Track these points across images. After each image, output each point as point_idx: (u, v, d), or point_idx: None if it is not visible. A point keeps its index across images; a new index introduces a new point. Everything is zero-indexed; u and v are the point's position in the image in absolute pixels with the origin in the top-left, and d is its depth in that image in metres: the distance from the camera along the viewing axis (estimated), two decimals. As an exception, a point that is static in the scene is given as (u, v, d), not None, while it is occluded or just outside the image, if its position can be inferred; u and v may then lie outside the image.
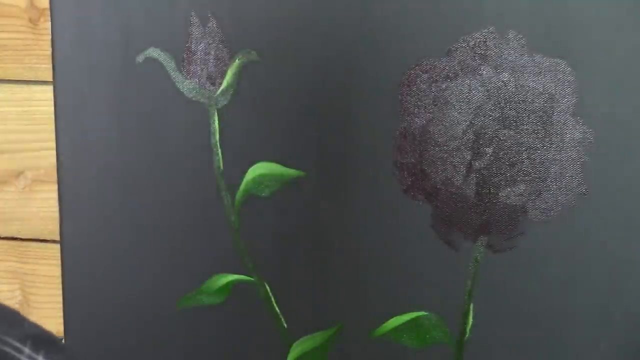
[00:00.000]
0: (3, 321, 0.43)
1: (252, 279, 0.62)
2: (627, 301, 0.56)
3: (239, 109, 0.60)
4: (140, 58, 0.62)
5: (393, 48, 0.56)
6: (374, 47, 0.56)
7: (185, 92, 0.62)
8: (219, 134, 0.62)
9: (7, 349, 0.41)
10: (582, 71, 0.53)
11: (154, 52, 0.62)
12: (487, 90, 0.55)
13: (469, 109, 0.55)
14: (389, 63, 0.56)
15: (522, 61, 0.54)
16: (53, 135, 0.66)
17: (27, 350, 0.42)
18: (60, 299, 0.68)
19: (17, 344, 0.42)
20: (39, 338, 0.44)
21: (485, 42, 0.54)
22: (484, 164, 0.56)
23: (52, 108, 0.66)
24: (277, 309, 0.62)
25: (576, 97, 0.54)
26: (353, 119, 0.58)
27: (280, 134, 0.60)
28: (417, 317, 0.59)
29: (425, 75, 0.56)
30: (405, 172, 0.58)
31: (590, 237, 0.55)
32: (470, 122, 0.55)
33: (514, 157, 0.55)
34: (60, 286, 0.69)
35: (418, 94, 0.56)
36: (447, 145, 0.56)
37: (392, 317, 0.60)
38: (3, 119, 0.68)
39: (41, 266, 0.70)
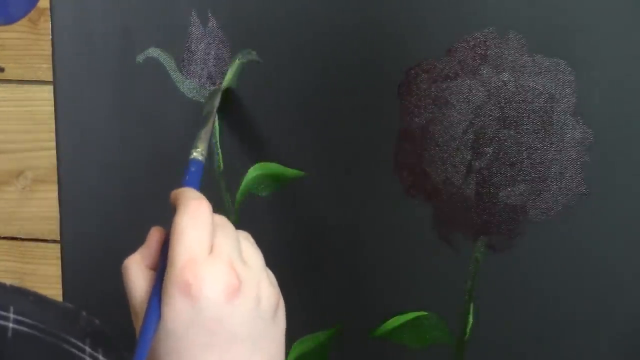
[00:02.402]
0: (64, 319, 0.44)
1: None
2: (627, 301, 0.56)
3: (239, 109, 0.60)
4: (140, 58, 0.62)
5: (393, 48, 0.56)
6: (374, 47, 0.56)
7: (185, 92, 0.62)
8: (219, 134, 0.62)
9: (71, 349, 0.42)
10: (582, 71, 0.53)
11: (154, 52, 0.62)
12: (487, 90, 0.55)
13: (469, 109, 0.55)
14: (389, 63, 0.56)
15: (522, 61, 0.54)
16: (53, 135, 0.66)
17: (87, 348, 0.43)
18: (61, 299, 0.68)
19: (79, 343, 0.42)
20: (97, 335, 0.44)
21: (485, 42, 0.54)
22: (484, 164, 0.56)
23: (52, 108, 0.66)
24: (277, 309, 0.62)
25: (576, 97, 0.54)
26: (353, 119, 0.58)
27: (280, 134, 0.60)
28: (417, 317, 0.59)
29: (425, 75, 0.56)
30: (405, 172, 0.58)
31: (590, 237, 0.55)
32: (470, 122, 0.55)
33: (514, 157, 0.55)
34: (60, 286, 0.69)
35: (418, 94, 0.56)
36: (447, 145, 0.56)
37: (392, 317, 0.60)
38: (3, 119, 0.68)
39: (41, 266, 0.70)
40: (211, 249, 0.41)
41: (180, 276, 0.39)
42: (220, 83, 0.60)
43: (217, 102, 0.58)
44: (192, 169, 0.50)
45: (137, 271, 0.43)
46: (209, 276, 0.40)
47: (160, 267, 0.42)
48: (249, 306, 0.41)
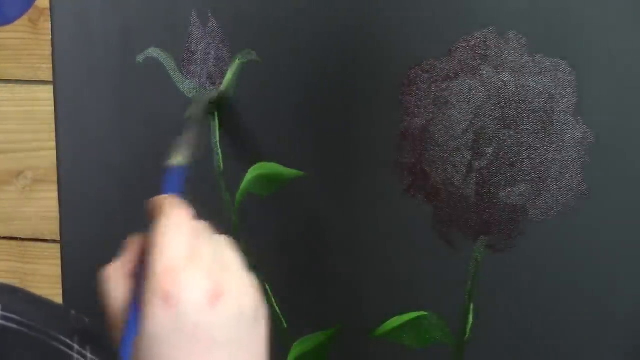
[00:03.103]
0: (53, 317, 0.44)
1: (252, 279, 0.62)
2: (627, 301, 0.56)
3: (239, 109, 0.60)
4: (140, 58, 0.62)
5: (393, 48, 0.56)
6: (374, 47, 0.56)
7: (185, 92, 0.62)
8: (219, 134, 0.62)
9: (59, 346, 0.42)
10: (582, 71, 0.53)
11: (154, 52, 0.62)
12: (487, 90, 0.55)
13: (469, 109, 0.55)
14: (389, 63, 0.56)
15: (522, 61, 0.54)
16: (53, 135, 0.66)
17: (76, 346, 0.43)
18: (61, 299, 0.68)
19: (67, 340, 0.43)
20: (85, 333, 0.45)
21: (485, 42, 0.54)
22: (484, 164, 0.56)
23: (52, 108, 0.66)
24: (277, 309, 0.62)
25: (576, 97, 0.54)
26: (353, 118, 0.58)
27: (280, 134, 0.60)
28: (417, 317, 0.59)
29: (425, 75, 0.56)
30: (405, 172, 0.58)
31: (590, 237, 0.55)
32: (470, 122, 0.55)
33: (514, 157, 0.55)
34: (60, 286, 0.69)
35: (418, 94, 0.56)
36: (447, 145, 0.56)
37: (392, 317, 0.60)
38: (3, 119, 0.68)
39: (41, 266, 0.70)
40: (191, 256, 0.42)
41: (159, 283, 0.40)
42: (220, 83, 0.60)
43: (202, 109, 0.57)
44: (172, 175, 0.50)
45: (116, 279, 0.44)
46: (188, 283, 0.40)
47: (140, 273, 0.43)
48: (229, 312, 0.41)
